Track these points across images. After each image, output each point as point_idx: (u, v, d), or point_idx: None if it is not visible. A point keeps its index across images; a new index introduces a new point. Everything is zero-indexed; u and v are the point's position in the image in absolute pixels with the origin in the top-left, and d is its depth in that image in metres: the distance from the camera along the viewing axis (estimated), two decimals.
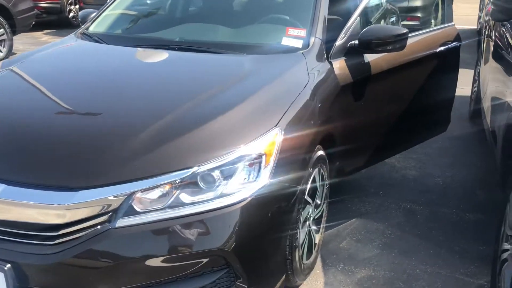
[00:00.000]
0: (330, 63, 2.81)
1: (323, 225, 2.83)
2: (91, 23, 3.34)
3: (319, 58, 2.78)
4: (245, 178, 1.95)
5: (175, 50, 2.80)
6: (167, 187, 1.85)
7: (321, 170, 2.64)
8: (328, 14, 3.09)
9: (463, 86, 6.49)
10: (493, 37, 3.80)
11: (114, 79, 2.49)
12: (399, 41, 2.85)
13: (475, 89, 5.16)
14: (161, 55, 2.75)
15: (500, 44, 3.37)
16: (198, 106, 2.16)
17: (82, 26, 3.36)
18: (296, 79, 2.53)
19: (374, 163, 3.50)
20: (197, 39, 2.97)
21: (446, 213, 3.35)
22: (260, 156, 1.99)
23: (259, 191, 1.96)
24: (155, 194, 1.84)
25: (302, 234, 2.43)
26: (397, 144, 3.55)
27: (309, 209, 2.54)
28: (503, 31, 3.21)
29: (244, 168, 1.95)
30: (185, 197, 1.86)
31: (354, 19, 2.98)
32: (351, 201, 3.51)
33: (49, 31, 11.07)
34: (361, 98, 3.03)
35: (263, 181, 1.98)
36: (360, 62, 2.99)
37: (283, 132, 2.13)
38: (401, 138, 3.53)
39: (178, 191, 1.85)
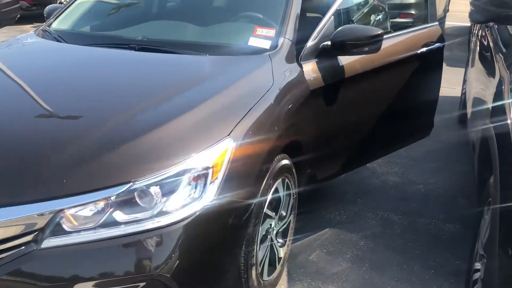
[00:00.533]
0: (300, 66, 2.64)
1: (290, 237, 2.67)
2: (54, 19, 3.17)
3: (288, 60, 2.61)
4: (189, 195, 1.79)
5: (135, 50, 2.64)
6: (100, 204, 1.69)
7: (286, 180, 2.48)
8: (305, 12, 2.93)
9: (455, 85, 6.35)
10: (478, 37, 3.63)
11: (56, 82, 2.32)
12: (373, 42, 2.69)
13: (464, 90, 4.99)
14: (117, 56, 2.58)
15: (483, 45, 3.21)
16: (143, 113, 1.99)
17: (45, 23, 3.20)
18: (258, 83, 2.37)
19: (351, 169, 3.34)
20: (161, 38, 2.81)
21: (425, 224, 3.19)
22: (206, 169, 1.83)
23: (204, 208, 1.80)
24: (86, 211, 1.69)
25: (261, 250, 2.27)
26: (376, 149, 3.39)
27: (271, 222, 2.38)
28: (485, 32, 3.04)
29: (188, 183, 1.79)
30: (119, 215, 1.70)
31: (328, 18, 2.81)
32: (327, 209, 3.35)
33: (39, 24, 10.87)
34: (334, 102, 2.86)
35: (209, 197, 1.82)
36: (334, 64, 2.82)
37: (236, 142, 1.97)
38: (381, 143, 3.37)
39: (112, 209, 1.69)
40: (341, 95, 2.89)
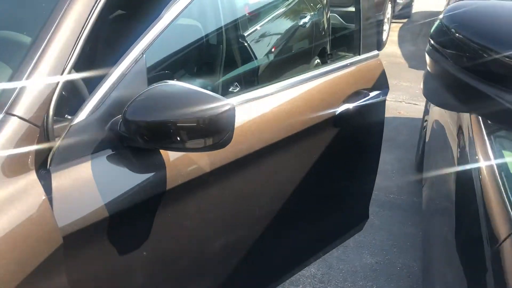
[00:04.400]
0: (45, 179, 1.14)
1: None
2: None
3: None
4: None
5: None
6: None
7: None
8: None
9: (419, 99, 4.98)
10: None
11: None
12: (212, 132, 1.20)
13: (426, 122, 3.57)
14: None
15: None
16: None
17: None
18: None
19: None
20: None
21: None
22: None
23: None
24: None
25: None
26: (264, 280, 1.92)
27: None
28: None
29: None
30: None
31: (138, 54, 1.29)
32: None
33: None
34: (143, 242, 1.37)
35: None
36: (147, 162, 1.33)
37: None
38: (271, 269, 1.90)
39: None
40: (164, 226, 1.39)
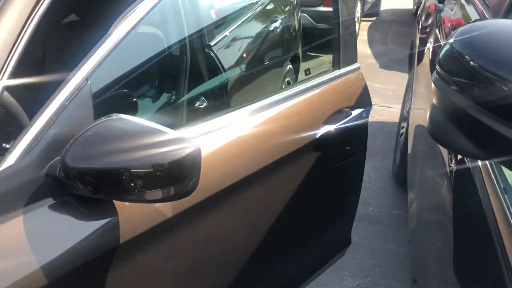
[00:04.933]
0: None
1: None
2: None
3: None
4: None
5: None
6: None
7: None
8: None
9: (392, 101, 4.84)
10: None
11: None
12: (173, 180, 0.98)
13: (403, 129, 3.42)
14: None
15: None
16: None
17: None
18: None
19: None
20: None
21: None
22: None
23: None
24: None
25: None
26: None
27: None
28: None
29: None
30: None
31: (81, 80, 1.06)
32: None
33: None
34: None
35: None
36: (96, 210, 1.10)
37: None
38: None
39: None
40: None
